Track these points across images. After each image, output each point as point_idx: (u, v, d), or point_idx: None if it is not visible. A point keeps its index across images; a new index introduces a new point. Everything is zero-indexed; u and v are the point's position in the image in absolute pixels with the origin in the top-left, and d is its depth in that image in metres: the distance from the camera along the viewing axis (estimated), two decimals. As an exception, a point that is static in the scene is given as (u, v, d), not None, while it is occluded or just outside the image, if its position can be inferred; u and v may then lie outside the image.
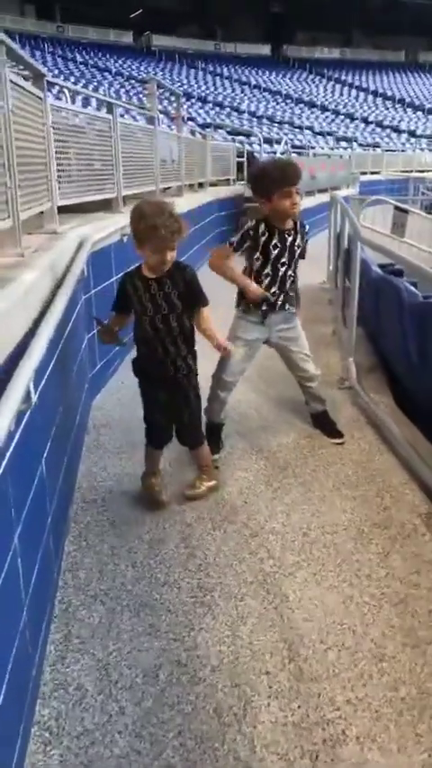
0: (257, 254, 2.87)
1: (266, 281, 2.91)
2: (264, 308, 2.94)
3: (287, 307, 2.99)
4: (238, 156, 12.06)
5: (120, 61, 32.87)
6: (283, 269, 2.90)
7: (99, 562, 2.37)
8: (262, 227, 2.85)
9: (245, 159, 12.26)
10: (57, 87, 4.48)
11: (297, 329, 3.08)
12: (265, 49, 40.22)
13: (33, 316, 2.12)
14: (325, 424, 3.32)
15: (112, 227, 3.91)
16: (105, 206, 4.52)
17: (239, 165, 12.01)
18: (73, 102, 8.70)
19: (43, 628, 1.97)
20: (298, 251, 2.93)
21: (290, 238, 2.88)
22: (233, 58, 38.41)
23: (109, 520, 2.63)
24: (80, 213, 4.07)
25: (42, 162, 3.07)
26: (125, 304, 2.53)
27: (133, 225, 2.36)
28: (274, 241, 2.85)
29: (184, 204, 7.00)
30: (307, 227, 3.00)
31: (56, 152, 3.30)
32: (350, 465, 3.02)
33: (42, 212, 3.17)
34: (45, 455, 2.11)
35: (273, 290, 2.92)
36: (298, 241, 2.91)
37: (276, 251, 2.86)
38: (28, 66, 2.95)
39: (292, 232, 2.89)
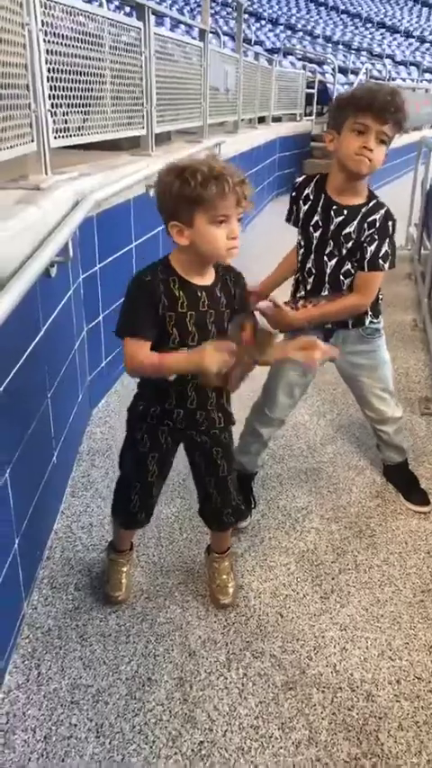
0: (299, 235, 1.91)
1: (311, 281, 1.93)
2: (328, 325, 1.97)
3: (368, 322, 1.99)
4: (307, 87, 10.55)
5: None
6: (332, 262, 1.87)
7: (49, 718, 1.55)
8: (310, 188, 1.86)
9: (315, 90, 10.74)
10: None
11: (377, 355, 2.08)
12: (347, -35, 36.40)
13: None
14: (402, 480, 2.36)
15: (133, 176, 2.91)
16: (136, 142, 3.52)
17: (308, 97, 10.52)
18: (128, 15, 7.33)
19: None
20: (349, 245, 1.82)
21: (337, 219, 1.81)
22: (310, -26, 34.97)
23: (79, 628, 1.79)
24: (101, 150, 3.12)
25: (20, 82, 2.09)
26: (148, 323, 1.45)
27: (168, 189, 1.36)
28: (315, 218, 1.84)
29: (238, 144, 5.88)
30: (378, 217, 1.81)
31: (48, 69, 2.32)
32: (439, 556, 2.08)
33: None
34: None
35: (325, 292, 1.92)
36: (350, 230, 1.81)
37: (318, 233, 1.85)
38: None
39: (346, 212, 1.81)
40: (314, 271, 1.90)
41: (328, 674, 1.66)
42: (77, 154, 2.98)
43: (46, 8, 2.27)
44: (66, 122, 2.52)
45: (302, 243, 1.92)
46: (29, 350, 1.82)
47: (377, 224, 1.80)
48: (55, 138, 2.42)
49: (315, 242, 1.87)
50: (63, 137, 2.50)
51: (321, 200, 1.85)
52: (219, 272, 1.53)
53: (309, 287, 1.94)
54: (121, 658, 1.70)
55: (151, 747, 1.48)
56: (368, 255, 1.81)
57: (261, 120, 7.75)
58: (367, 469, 2.52)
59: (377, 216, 1.80)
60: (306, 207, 1.88)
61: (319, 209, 1.85)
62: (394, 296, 4.25)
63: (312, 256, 1.89)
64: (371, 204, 1.82)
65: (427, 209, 4.54)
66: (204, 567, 1.97)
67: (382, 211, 1.81)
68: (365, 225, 1.80)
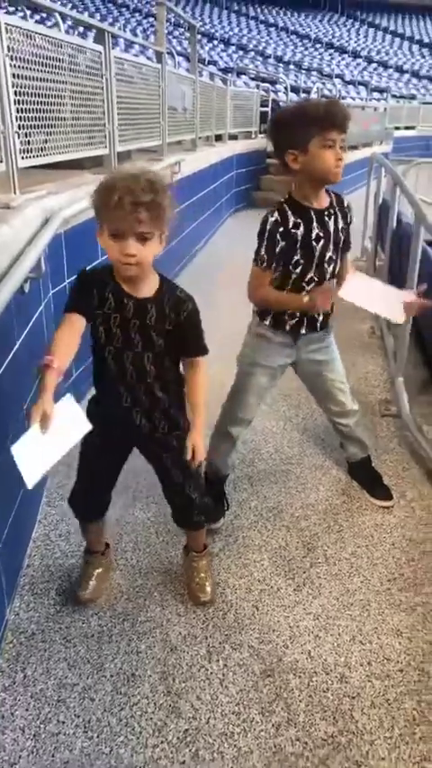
0: (297, 255, 1.95)
1: (309, 289, 2.04)
2: (303, 331, 2.09)
3: (329, 323, 2.15)
4: (261, 106, 10.85)
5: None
6: (330, 268, 2.02)
7: (37, 717, 1.60)
8: (289, 215, 1.94)
9: (269, 109, 11.05)
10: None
11: (332, 349, 2.22)
12: (295, -12, 37.46)
13: None
14: (366, 477, 2.48)
15: (98, 194, 3.00)
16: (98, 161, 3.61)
17: (263, 116, 10.80)
18: (83, 36, 7.33)
19: None
20: (342, 236, 2.02)
21: (331, 221, 1.98)
22: (260, -4, 35.82)
23: (62, 630, 1.85)
24: (65, 169, 3.19)
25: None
26: (86, 304, 1.57)
27: (93, 199, 1.48)
28: (315, 231, 1.95)
29: (197, 161, 6.03)
30: (347, 202, 2.07)
31: (15, 92, 2.39)
32: (403, 547, 2.20)
33: None
34: None
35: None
36: (341, 223, 2.01)
37: (321, 244, 1.96)
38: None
39: (331, 211, 1.99)
40: (317, 279, 1.99)
41: (304, 661, 1.76)
42: (42, 173, 3.05)
43: (11, 33, 2.36)
44: (29, 143, 2.60)
45: (302, 261, 1.96)
46: (5, 364, 1.87)
47: (349, 206, 2.07)
48: (22, 158, 2.50)
49: (317, 253, 1.96)
50: (30, 157, 2.58)
51: (314, 216, 1.95)
52: (162, 289, 1.59)
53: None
54: (105, 657, 1.76)
55: (138, 738, 1.55)
56: (350, 237, 2.07)
57: (218, 137, 7.94)
58: (333, 469, 2.64)
59: (345, 200, 2.06)
60: (300, 231, 1.93)
61: (314, 224, 1.95)
62: (351, 306, 4.40)
63: (314, 269, 1.98)
64: (333, 195, 2.03)
65: (380, 222, 4.76)
66: (181, 568, 2.05)
67: (344, 197, 2.07)
68: (346, 209, 2.05)
